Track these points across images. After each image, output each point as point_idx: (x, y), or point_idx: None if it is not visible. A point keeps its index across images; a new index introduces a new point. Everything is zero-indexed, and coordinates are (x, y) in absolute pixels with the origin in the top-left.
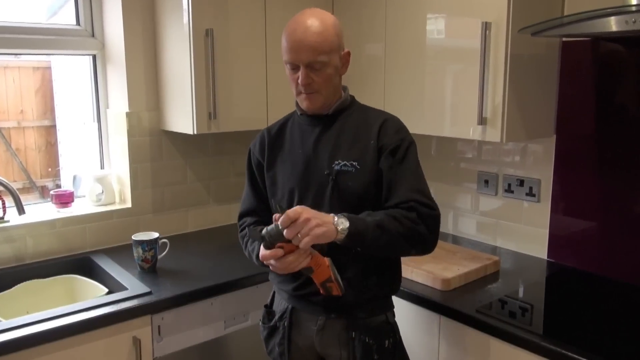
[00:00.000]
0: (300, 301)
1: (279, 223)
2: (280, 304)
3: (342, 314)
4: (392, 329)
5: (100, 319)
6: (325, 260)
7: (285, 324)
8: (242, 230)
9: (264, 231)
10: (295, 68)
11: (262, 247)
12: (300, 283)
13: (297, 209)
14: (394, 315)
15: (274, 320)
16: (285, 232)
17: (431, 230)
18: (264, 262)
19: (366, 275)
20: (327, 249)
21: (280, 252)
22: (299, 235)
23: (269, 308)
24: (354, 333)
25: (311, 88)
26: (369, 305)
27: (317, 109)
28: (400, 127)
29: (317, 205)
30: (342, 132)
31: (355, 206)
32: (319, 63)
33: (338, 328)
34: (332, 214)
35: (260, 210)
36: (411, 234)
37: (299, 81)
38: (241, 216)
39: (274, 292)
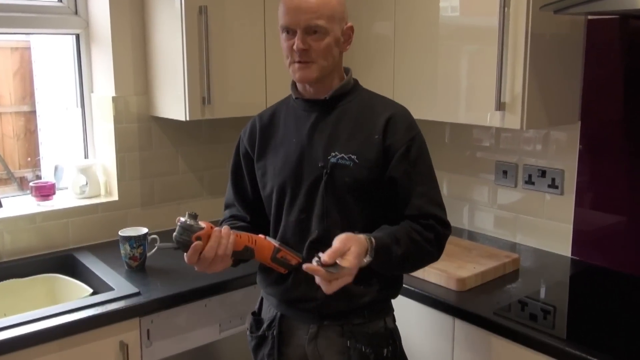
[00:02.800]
0: (289, 307)
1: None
2: (269, 311)
3: (335, 321)
4: (392, 336)
5: (84, 322)
6: (258, 235)
7: (274, 333)
8: (221, 224)
9: (174, 236)
10: (291, 32)
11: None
12: (289, 286)
13: (355, 264)
14: (394, 321)
15: (262, 329)
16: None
17: (440, 251)
18: (192, 264)
19: (361, 278)
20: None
21: (199, 244)
22: (327, 282)
23: (257, 315)
24: (349, 342)
25: (307, 56)
26: (365, 310)
27: (312, 81)
28: (409, 123)
29: (309, 202)
30: (342, 120)
31: (350, 204)
32: (319, 28)
33: (332, 336)
34: (366, 249)
35: (238, 204)
36: (424, 258)
37: (295, 47)
38: (224, 207)
39: (262, 298)
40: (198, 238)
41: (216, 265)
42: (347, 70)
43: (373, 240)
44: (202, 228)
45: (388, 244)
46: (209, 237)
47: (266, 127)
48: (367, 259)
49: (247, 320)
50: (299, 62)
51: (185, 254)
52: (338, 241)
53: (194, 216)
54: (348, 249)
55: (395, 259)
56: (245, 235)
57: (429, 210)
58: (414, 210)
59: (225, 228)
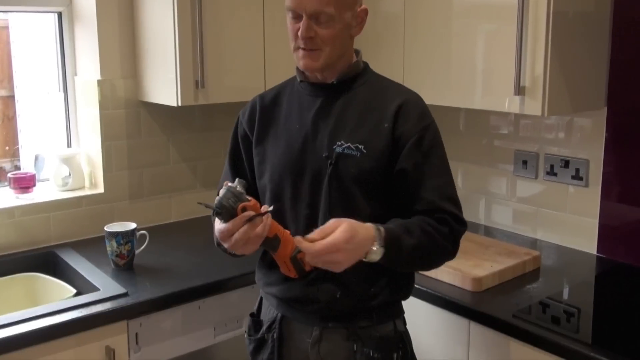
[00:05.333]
0: (291, 308)
1: (306, 246)
2: (269, 312)
3: (341, 323)
4: (402, 340)
5: (67, 326)
6: (287, 230)
7: (275, 336)
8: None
9: (216, 200)
10: (297, 17)
11: (217, 224)
12: (291, 285)
13: (330, 244)
14: (404, 323)
15: (261, 332)
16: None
17: (456, 249)
18: (223, 241)
19: (370, 278)
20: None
21: (250, 214)
22: (313, 259)
23: (255, 317)
24: (355, 345)
25: (313, 44)
26: (373, 312)
27: (317, 70)
28: (422, 111)
29: (314, 196)
30: (349, 107)
31: (357, 197)
32: (326, 15)
33: (337, 340)
34: (372, 237)
35: None
36: (439, 254)
37: (299, 33)
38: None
39: (261, 298)
40: (244, 209)
41: (248, 247)
42: (357, 52)
43: (382, 229)
44: (249, 200)
45: (398, 234)
46: (254, 210)
47: (267, 109)
48: (376, 248)
49: (245, 322)
50: (304, 49)
51: (220, 222)
52: (332, 220)
53: (244, 185)
54: (338, 227)
55: (406, 252)
56: (276, 223)
57: (442, 205)
58: (425, 205)
59: (264, 207)
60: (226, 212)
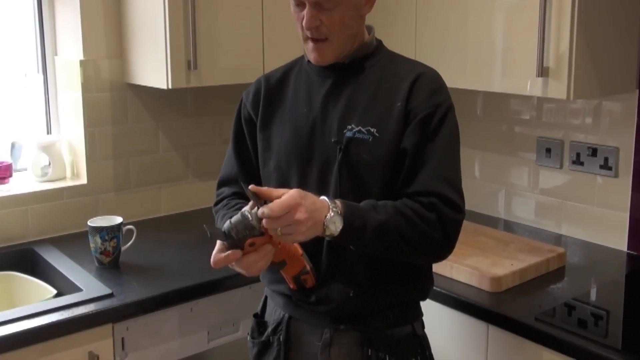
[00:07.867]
0: (299, 308)
1: (261, 211)
2: (275, 313)
3: (354, 325)
4: (420, 344)
5: (47, 329)
6: (298, 248)
7: (281, 338)
8: (216, 204)
9: (226, 225)
10: (300, 5)
11: (217, 246)
12: None
13: (288, 200)
14: (423, 326)
15: (266, 334)
16: (264, 222)
17: (449, 239)
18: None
19: (384, 276)
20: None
21: (238, 254)
22: (279, 232)
23: (259, 318)
24: (370, 350)
25: (319, 33)
26: (389, 313)
27: (329, 61)
28: (437, 87)
29: (322, 184)
30: (361, 88)
31: (370, 185)
32: (331, 2)
33: (349, 343)
34: (327, 205)
35: (243, 180)
36: (422, 241)
37: (303, 24)
38: (219, 184)
39: (266, 297)
40: (252, 244)
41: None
42: (369, 29)
43: (337, 201)
44: (262, 234)
45: (360, 207)
46: (261, 245)
47: (273, 91)
48: (331, 215)
49: (245, 324)
50: (312, 39)
51: (222, 244)
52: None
53: (260, 219)
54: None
55: (372, 229)
56: (286, 246)
57: (432, 186)
58: (414, 185)
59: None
60: (232, 243)
